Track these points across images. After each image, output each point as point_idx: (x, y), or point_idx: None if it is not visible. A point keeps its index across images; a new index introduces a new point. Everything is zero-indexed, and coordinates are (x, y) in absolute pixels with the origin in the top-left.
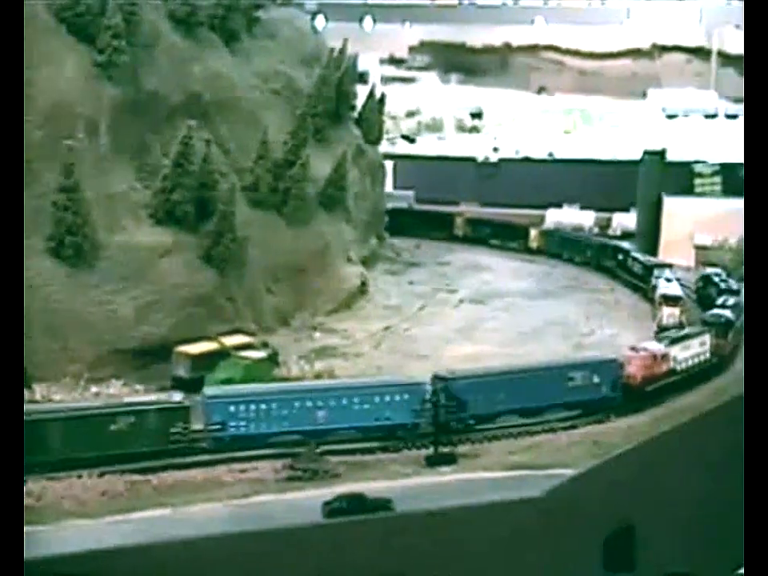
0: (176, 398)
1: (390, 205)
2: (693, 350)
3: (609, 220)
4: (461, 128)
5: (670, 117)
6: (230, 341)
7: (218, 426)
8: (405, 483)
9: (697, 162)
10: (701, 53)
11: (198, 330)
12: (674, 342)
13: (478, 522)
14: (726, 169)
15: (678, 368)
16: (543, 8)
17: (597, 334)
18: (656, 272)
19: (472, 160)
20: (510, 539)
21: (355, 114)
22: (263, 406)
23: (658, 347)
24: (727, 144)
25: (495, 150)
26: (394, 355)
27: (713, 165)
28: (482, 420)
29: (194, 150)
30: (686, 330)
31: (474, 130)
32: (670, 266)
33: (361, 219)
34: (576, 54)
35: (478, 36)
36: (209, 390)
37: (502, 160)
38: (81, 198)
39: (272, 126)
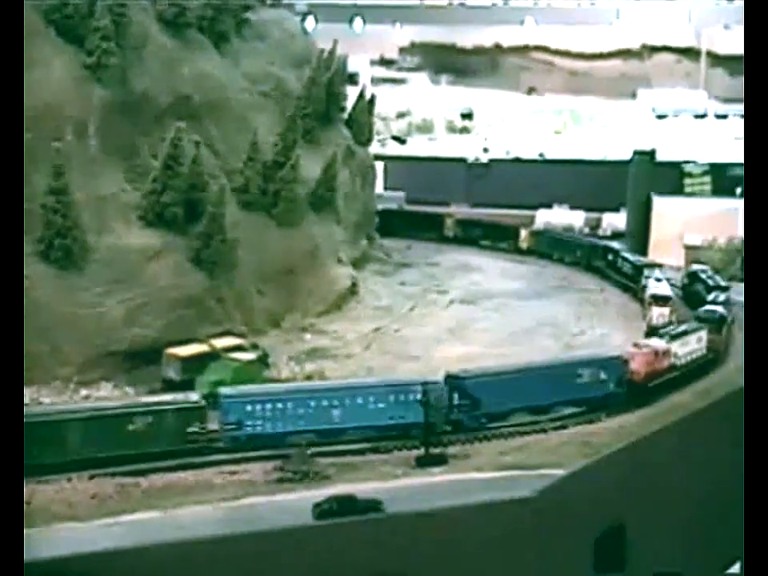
0: (193, 398)
1: (380, 206)
2: (691, 346)
3: (599, 220)
4: (451, 129)
5: (660, 117)
6: (220, 343)
7: (234, 426)
8: (395, 484)
9: (686, 161)
10: (690, 53)
11: (188, 332)
12: (674, 338)
13: (469, 522)
14: (715, 169)
15: (678, 363)
16: (533, 8)
17: (587, 334)
18: (646, 272)
19: (462, 161)
20: (501, 539)
21: (345, 116)
22: (279, 405)
23: (659, 343)
24: (717, 144)
25: (485, 150)
26: (385, 356)
27: (702, 165)
28: (494, 418)
29: (184, 152)
30: (685, 326)
31: (465, 130)
32: (659, 265)
33: (351, 220)
34: (566, 54)
35: (468, 37)
36: (225, 390)
37: (492, 161)
38: (70, 201)
39: (262, 127)
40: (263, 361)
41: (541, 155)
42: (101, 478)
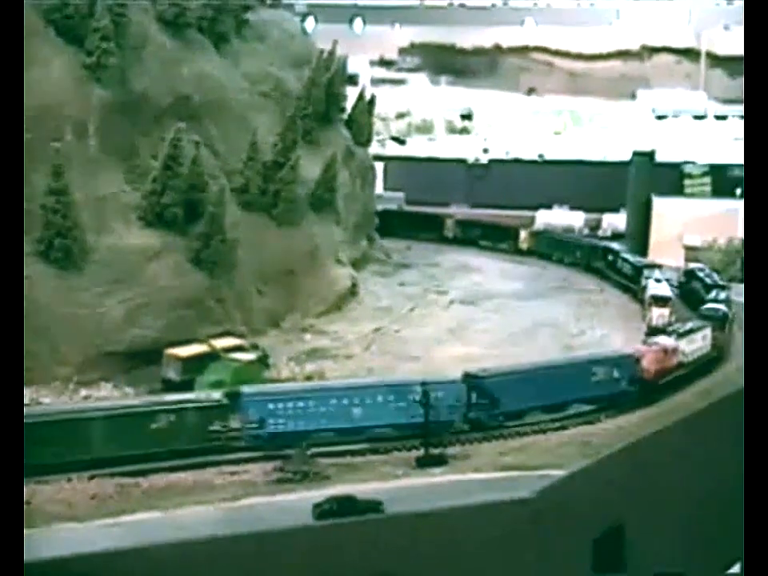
0: (215, 396)
1: (380, 206)
2: (697, 344)
3: (599, 221)
4: (451, 129)
5: (660, 118)
6: (220, 343)
7: (256, 424)
8: (395, 485)
9: (686, 162)
10: (690, 54)
11: (188, 333)
12: (682, 335)
13: (469, 523)
14: (715, 170)
15: (686, 361)
16: (533, 9)
17: (587, 335)
18: (646, 273)
19: (462, 161)
20: (500, 540)
21: (345, 116)
22: (301, 404)
23: (668, 341)
24: (716, 145)
25: (485, 151)
26: (385, 356)
27: (702, 166)
28: (511, 417)
29: (184, 152)
30: (691, 324)
31: (464, 131)
32: (659, 266)
33: (351, 221)
34: (566, 55)
35: (467, 37)
36: (247, 388)
37: (492, 161)
38: (69, 201)
39: (261, 127)
40: (263, 361)
41: (540, 156)
42: (101, 478)
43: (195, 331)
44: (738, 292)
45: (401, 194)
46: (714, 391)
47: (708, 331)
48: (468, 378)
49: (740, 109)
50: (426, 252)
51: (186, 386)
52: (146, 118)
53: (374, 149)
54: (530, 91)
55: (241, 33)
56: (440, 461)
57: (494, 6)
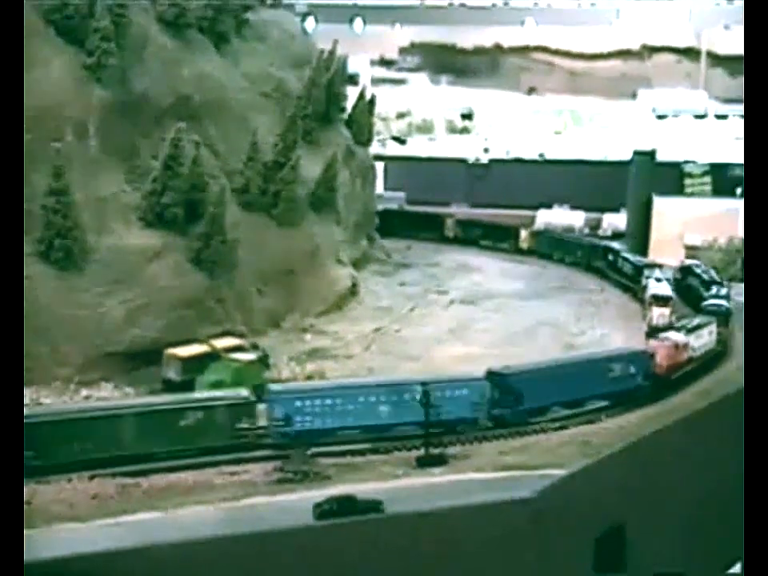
0: (243, 394)
1: (380, 206)
2: (704, 339)
3: (599, 220)
4: (451, 129)
5: (660, 117)
6: (220, 343)
7: (283, 422)
8: (396, 484)
9: (686, 162)
10: (690, 53)
11: (188, 333)
12: (691, 331)
13: (470, 522)
14: (715, 169)
15: (694, 356)
16: (533, 9)
17: (587, 335)
18: (646, 272)
19: (463, 161)
20: (501, 540)
21: (345, 116)
22: (328, 401)
23: (679, 336)
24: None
25: (486, 150)
26: (386, 356)
27: (702, 165)
28: (534, 413)
29: (184, 152)
30: (698, 320)
31: (465, 131)
32: (660, 266)
33: (351, 221)
34: (566, 54)
35: (468, 37)
36: (275, 386)
37: (492, 161)
38: (70, 201)
39: (262, 127)
40: (263, 361)
41: (541, 155)
42: (101, 478)
43: (195, 331)
44: (738, 291)
45: (401, 194)
46: (714, 391)
47: (713, 327)
48: (492, 375)
49: (740, 108)
50: (426, 252)
51: (187, 386)
52: (146, 118)
53: (375, 148)
54: (531, 91)
55: (241, 33)
56: (440, 460)
57: (494, 5)
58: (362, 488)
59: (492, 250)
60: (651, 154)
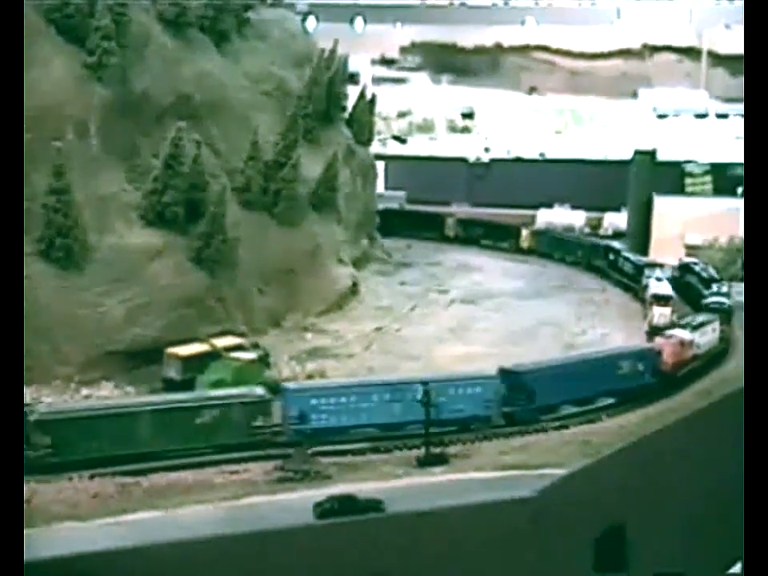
0: (258, 392)
1: (381, 205)
2: (708, 336)
3: (600, 220)
4: (452, 128)
5: (661, 117)
6: (221, 342)
7: (298, 419)
8: (396, 484)
9: (687, 161)
10: (691, 53)
11: (189, 332)
12: (695, 328)
13: (470, 522)
14: (716, 168)
15: (699, 353)
16: (534, 8)
17: (588, 334)
18: (647, 272)
19: (463, 160)
20: (501, 539)
21: (346, 115)
22: (343, 399)
23: (684, 334)
24: (717, 144)
25: (486, 150)
26: (386, 356)
27: (703, 164)
28: (545, 411)
29: (185, 152)
30: (702, 317)
31: (465, 130)
32: (660, 265)
33: (352, 220)
34: (567, 54)
35: (468, 36)
36: (290, 384)
37: (493, 160)
38: (71, 200)
39: (263, 126)
40: (264, 360)
41: (542, 155)
42: (102, 477)
43: (196, 330)
44: (738, 291)
45: (402, 193)
46: (709, 393)
47: (717, 324)
48: (505, 373)
49: (741, 107)
50: (426, 251)
51: (187, 385)
52: (147, 117)
53: (375, 148)
54: (532, 90)
55: (242, 32)
56: (441, 460)
57: (495, 5)
58: (362, 487)
59: (493, 250)
60: (652, 153)
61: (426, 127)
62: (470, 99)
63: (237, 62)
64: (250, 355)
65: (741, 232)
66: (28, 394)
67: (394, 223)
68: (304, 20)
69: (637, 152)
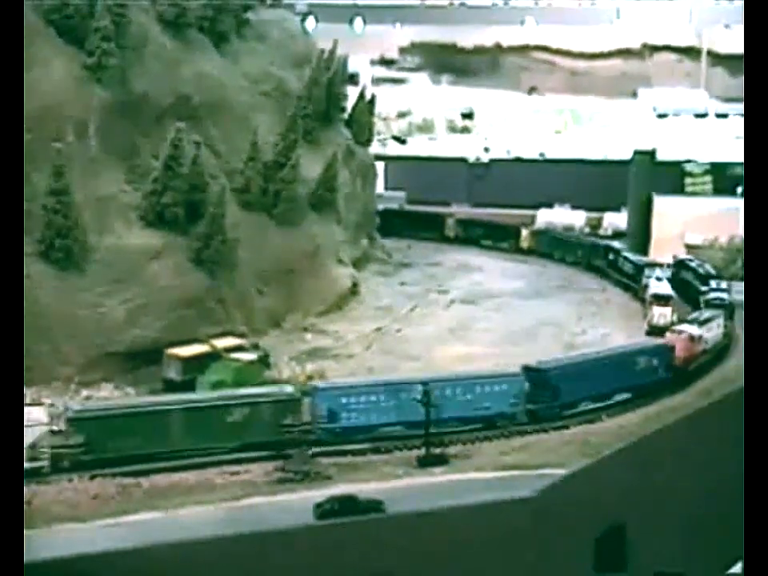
0: (288, 390)
1: (381, 206)
2: (714, 331)
3: (600, 220)
4: (452, 128)
5: (661, 116)
6: (221, 343)
7: (328, 418)
8: (396, 484)
9: (687, 161)
10: (691, 52)
11: (189, 333)
12: (703, 323)
13: (470, 522)
14: (716, 168)
15: (707, 348)
16: (534, 8)
17: (589, 334)
18: (647, 271)
19: (463, 160)
20: (502, 539)
21: (346, 116)
22: (372, 398)
23: (694, 329)
24: (717, 143)
25: (486, 150)
26: (386, 356)
27: (703, 164)
28: (567, 407)
29: (184, 152)
30: (708, 313)
31: (465, 130)
32: (660, 265)
33: (352, 220)
34: (566, 54)
35: (468, 36)
36: (320, 383)
37: (493, 160)
38: (70, 201)
39: (262, 127)
40: (264, 361)
41: (541, 155)
42: (102, 478)
43: (196, 331)
44: (738, 290)
45: (402, 194)
46: (709, 393)
47: (721, 320)
48: (529, 370)
49: (741, 107)
50: (426, 251)
51: (187, 385)
52: (146, 118)
53: (375, 148)
54: (531, 90)
55: (241, 32)
56: (441, 460)
57: (494, 5)
58: (362, 488)
59: (492, 250)
60: (652, 153)
61: (425, 127)
62: (469, 99)
63: (236, 62)
64: (250, 356)
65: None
66: (28, 395)
67: (394, 223)
68: (303, 20)
69: (637, 152)
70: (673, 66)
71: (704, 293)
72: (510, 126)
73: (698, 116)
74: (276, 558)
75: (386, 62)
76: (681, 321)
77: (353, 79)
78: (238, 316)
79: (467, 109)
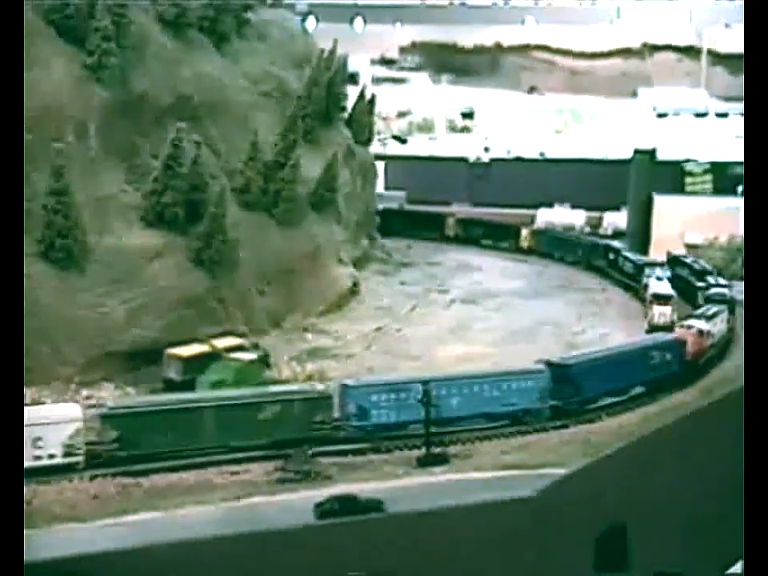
0: (319, 388)
1: (381, 205)
2: (719, 326)
3: (600, 219)
4: (452, 128)
5: (661, 116)
6: (221, 343)
7: (359, 415)
8: (396, 484)
9: (687, 160)
10: (691, 52)
11: (189, 333)
12: (710, 318)
13: (470, 522)
14: (716, 167)
15: (714, 342)
16: (534, 8)
17: (588, 334)
18: (647, 271)
19: (463, 160)
20: (502, 539)
21: (346, 115)
22: (402, 395)
23: (702, 324)
24: (717, 143)
25: (486, 149)
26: (386, 356)
27: (703, 163)
28: (588, 402)
29: (184, 152)
30: (714, 308)
31: (465, 130)
32: (660, 264)
33: (352, 220)
34: (567, 53)
35: (468, 36)
36: (350, 381)
37: (493, 160)
38: (71, 201)
39: (262, 127)
40: (264, 361)
41: (542, 154)
42: (102, 478)
43: (196, 331)
44: (739, 290)
45: (402, 193)
46: (709, 393)
47: (725, 314)
48: (553, 366)
49: (741, 107)
50: (426, 251)
51: (187, 385)
52: (146, 118)
53: (375, 148)
54: (531, 90)
55: (241, 32)
56: (441, 460)
57: (495, 4)
58: (363, 487)
59: (493, 249)
60: (652, 152)
61: (425, 127)
62: (469, 99)
63: (236, 62)
64: (251, 356)
65: (741, 231)
66: (28, 395)
67: (394, 223)
68: (304, 20)
69: (637, 151)
70: (673, 65)
71: (703, 288)
72: (510, 125)
73: (698, 115)
74: (276, 558)
75: (387, 62)
76: (689, 316)
77: (353, 79)
78: (238, 316)
79: (467, 108)
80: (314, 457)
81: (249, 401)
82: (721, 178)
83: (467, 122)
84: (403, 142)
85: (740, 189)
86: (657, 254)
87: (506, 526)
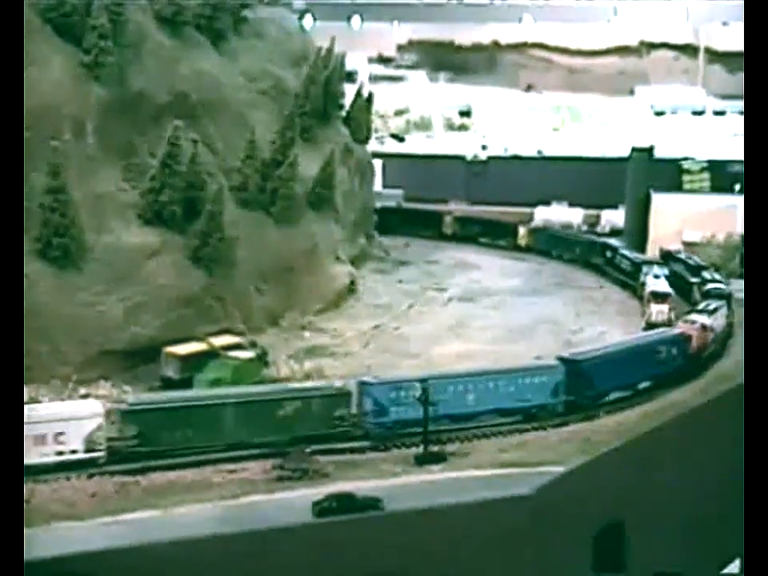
0: (338, 384)
1: (378, 204)
2: (719, 321)
3: (597, 217)
4: (449, 126)
5: (658, 114)
6: (219, 341)
7: (378, 411)
8: (395, 482)
9: (685, 158)
10: (688, 50)
11: (187, 331)
12: (711, 313)
13: (468, 520)
14: (714, 165)
15: (715, 337)
16: (531, 6)
17: (586, 332)
18: (644, 269)
19: (461, 158)
20: (500, 537)
21: (343, 113)
22: (421, 392)
23: (705, 318)
24: (715, 141)
25: (484, 147)
26: (384, 354)
27: (701, 161)
28: (600, 396)
29: (182, 150)
30: (716, 303)
31: (463, 128)
32: (658, 262)
33: (349, 218)
34: (564, 51)
35: (466, 34)
36: (369, 378)
37: (490, 158)
38: (68, 199)
39: (260, 125)
40: (262, 359)
41: (539, 152)
42: (100, 476)
43: (194, 329)
44: (738, 288)
45: (400, 191)
46: (707, 391)
47: (725, 309)
48: (566, 361)
49: (738, 104)
50: (424, 249)
51: (185, 383)
52: (144, 116)
53: (373, 146)
54: (529, 88)
55: (239, 30)
56: (439, 458)
57: (492, 2)
58: (361, 485)
59: (490, 247)
60: (649, 150)
61: (423, 125)
62: (467, 97)
63: (234, 60)
64: (248, 354)
65: (738, 229)
66: (26, 394)
67: (392, 221)
68: (301, 18)
69: (634, 149)
70: (670, 63)
71: (698, 284)
72: (507, 123)
73: (695, 113)
74: (274, 556)
75: (384, 60)
76: (691, 311)
77: (350, 77)
78: (236, 314)
79: (465, 106)
80: (312, 455)
81: (269, 397)
82: (718, 176)
83: (465, 120)
84: (401, 140)
85: (737, 187)
86: (654, 252)
87: (504, 523)
